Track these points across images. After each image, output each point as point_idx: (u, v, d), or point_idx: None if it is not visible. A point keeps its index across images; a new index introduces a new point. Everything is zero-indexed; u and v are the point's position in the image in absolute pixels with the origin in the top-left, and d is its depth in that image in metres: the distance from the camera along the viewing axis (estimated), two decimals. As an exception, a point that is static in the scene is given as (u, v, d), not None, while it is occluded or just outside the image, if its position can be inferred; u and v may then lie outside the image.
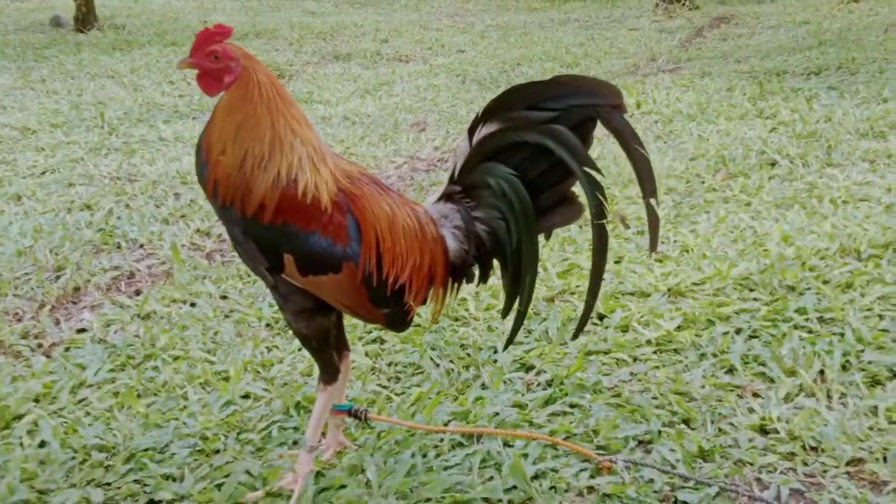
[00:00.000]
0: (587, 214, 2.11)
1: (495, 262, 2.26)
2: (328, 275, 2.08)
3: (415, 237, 2.15)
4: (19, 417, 2.71)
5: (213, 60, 2.03)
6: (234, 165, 2.01)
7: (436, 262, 2.18)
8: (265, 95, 2.03)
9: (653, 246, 2.08)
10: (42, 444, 2.56)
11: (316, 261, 2.06)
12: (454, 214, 2.21)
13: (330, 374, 2.27)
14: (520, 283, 2.20)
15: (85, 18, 11.56)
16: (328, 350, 2.25)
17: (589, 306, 2.16)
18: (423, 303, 2.23)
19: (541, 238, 2.20)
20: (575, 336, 2.32)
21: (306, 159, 2.06)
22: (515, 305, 2.25)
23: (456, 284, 2.26)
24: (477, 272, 2.28)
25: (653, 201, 2.02)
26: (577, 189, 2.13)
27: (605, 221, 2.07)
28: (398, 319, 2.21)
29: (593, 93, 2.03)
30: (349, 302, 2.13)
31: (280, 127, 2.04)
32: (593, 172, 2.05)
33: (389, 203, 2.15)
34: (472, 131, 2.13)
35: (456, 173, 2.20)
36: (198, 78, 2.07)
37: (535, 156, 2.09)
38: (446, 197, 2.23)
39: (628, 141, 2.00)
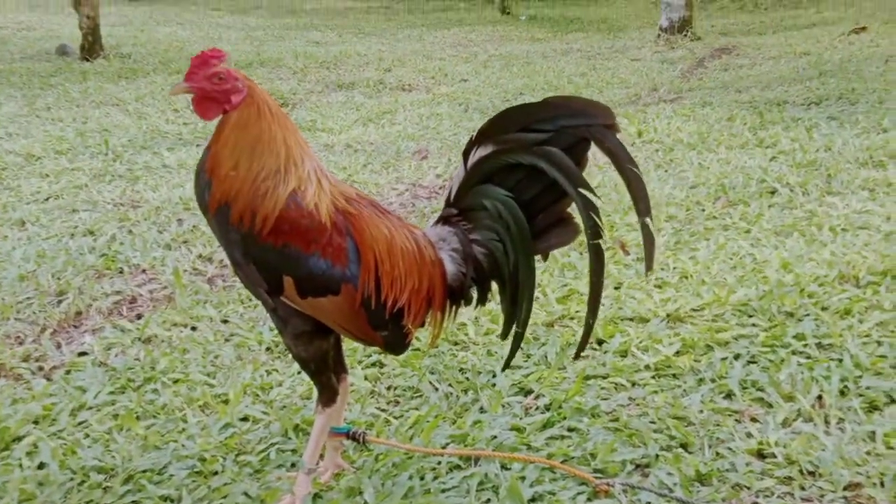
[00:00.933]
0: (584, 237, 2.13)
1: (494, 285, 2.28)
2: (327, 297, 2.09)
3: (413, 260, 2.17)
4: (19, 439, 2.73)
5: (216, 82, 2.05)
6: (249, 179, 2.03)
7: (434, 285, 2.19)
8: (275, 112, 2.07)
9: (648, 266, 2.09)
10: (41, 466, 2.57)
11: (315, 283, 2.08)
12: (451, 237, 2.23)
13: (328, 396, 2.29)
14: (517, 305, 2.21)
15: (91, 47, 11.63)
16: (326, 373, 2.27)
17: (589, 326, 2.17)
18: (422, 326, 2.24)
19: (538, 261, 2.21)
20: (576, 356, 2.33)
21: (314, 175, 2.08)
22: (514, 328, 2.27)
23: (454, 307, 2.27)
24: (475, 295, 2.29)
25: (648, 221, 2.03)
26: (574, 210, 2.15)
27: (600, 241, 2.08)
28: (396, 342, 2.23)
29: (586, 113, 2.05)
30: (348, 324, 2.15)
31: (292, 142, 2.07)
32: (588, 193, 2.06)
33: (388, 226, 2.17)
34: (466, 154, 2.15)
35: (452, 196, 2.22)
36: (196, 101, 2.08)
37: (529, 177, 2.11)
38: (443, 220, 2.25)
39: (622, 161, 2.02)
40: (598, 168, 5.69)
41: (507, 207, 2.13)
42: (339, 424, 2.47)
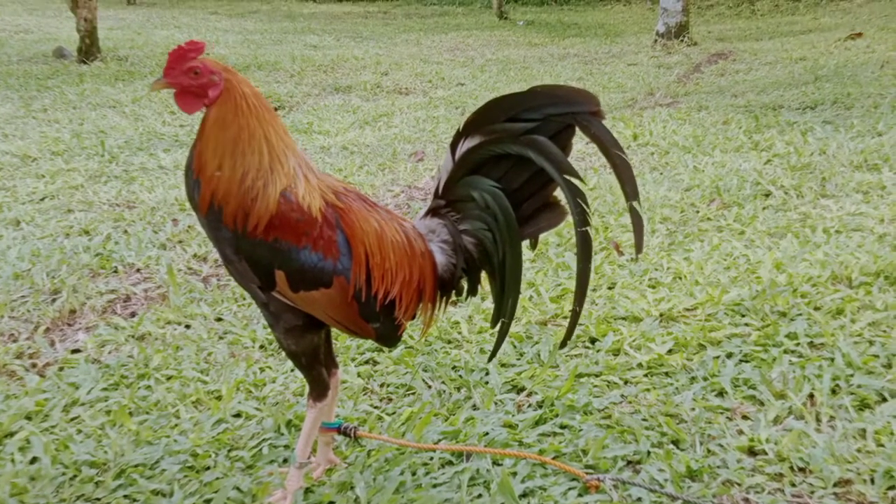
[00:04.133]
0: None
1: (484, 275, 2.28)
2: (319, 290, 2.10)
3: (404, 252, 2.17)
4: (11, 434, 2.73)
5: (193, 77, 2.03)
6: (235, 180, 2.02)
7: (425, 277, 2.20)
8: (253, 107, 2.05)
9: (638, 248, 2.09)
10: (33, 461, 2.57)
11: (307, 276, 2.08)
12: (441, 229, 2.23)
13: (319, 391, 2.29)
14: (505, 295, 2.22)
15: (88, 50, 11.63)
16: (318, 367, 2.27)
17: (575, 314, 2.17)
18: (413, 318, 2.25)
19: (528, 248, 2.22)
20: (562, 345, 2.33)
21: (300, 171, 2.08)
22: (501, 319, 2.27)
23: (445, 298, 2.28)
24: (466, 285, 2.29)
25: (636, 204, 2.03)
26: (561, 193, 2.14)
27: (587, 228, 2.08)
28: (389, 334, 2.23)
29: (571, 101, 2.05)
30: (340, 317, 2.15)
31: (273, 138, 2.07)
32: (574, 180, 2.07)
33: (377, 219, 2.17)
34: (454, 146, 2.16)
35: (440, 188, 2.22)
36: (176, 97, 2.06)
37: (516, 166, 2.12)
38: (432, 212, 2.26)
39: (608, 147, 2.02)
40: (593, 170, 5.72)
41: (495, 198, 2.14)
42: (331, 419, 2.47)
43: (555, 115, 2.05)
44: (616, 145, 2.02)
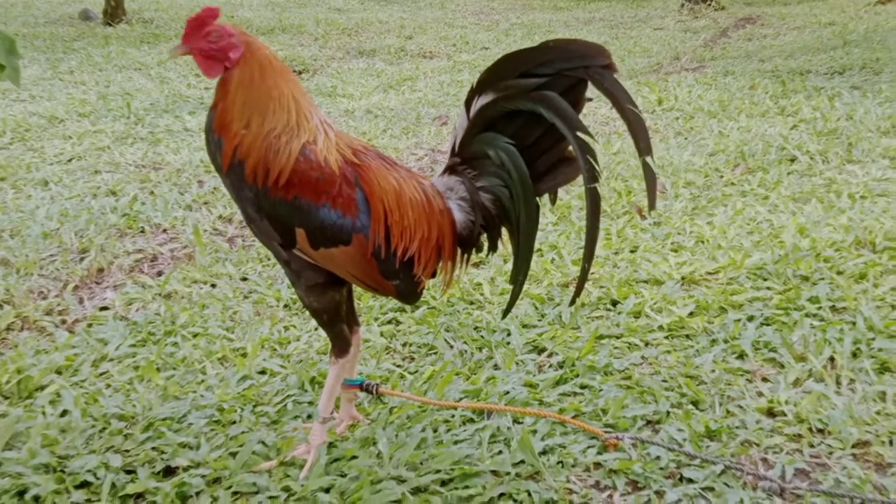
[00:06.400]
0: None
1: (504, 232, 2.30)
2: (339, 247, 2.12)
3: (422, 210, 2.19)
4: (42, 388, 2.78)
5: (213, 40, 2.05)
6: (261, 136, 2.05)
7: (444, 234, 2.22)
8: (277, 67, 2.08)
9: (651, 204, 2.08)
10: (63, 413, 2.62)
11: (326, 234, 2.11)
12: (459, 186, 2.25)
13: (341, 347, 2.32)
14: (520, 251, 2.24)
15: (113, 12, 11.69)
16: (339, 324, 2.30)
17: (584, 271, 2.17)
18: (433, 275, 2.27)
19: (547, 204, 2.23)
20: (572, 302, 2.34)
21: (321, 127, 2.11)
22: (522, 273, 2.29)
23: (465, 255, 2.30)
24: (486, 242, 2.31)
25: (649, 159, 2.02)
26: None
27: (596, 185, 2.08)
28: (409, 291, 2.25)
29: (583, 55, 2.03)
30: (360, 274, 2.18)
31: (300, 98, 2.09)
32: (585, 136, 2.07)
33: (396, 177, 2.19)
34: (468, 103, 2.17)
35: (456, 145, 2.24)
36: (198, 61, 2.08)
37: (529, 122, 2.12)
38: (449, 170, 2.27)
39: (620, 101, 2.00)
40: (617, 135, 5.70)
41: (509, 155, 2.14)
42: (353, 376, 2.51)
43: (567, 69, 2.05)
44: (629, 100, 2.00)
